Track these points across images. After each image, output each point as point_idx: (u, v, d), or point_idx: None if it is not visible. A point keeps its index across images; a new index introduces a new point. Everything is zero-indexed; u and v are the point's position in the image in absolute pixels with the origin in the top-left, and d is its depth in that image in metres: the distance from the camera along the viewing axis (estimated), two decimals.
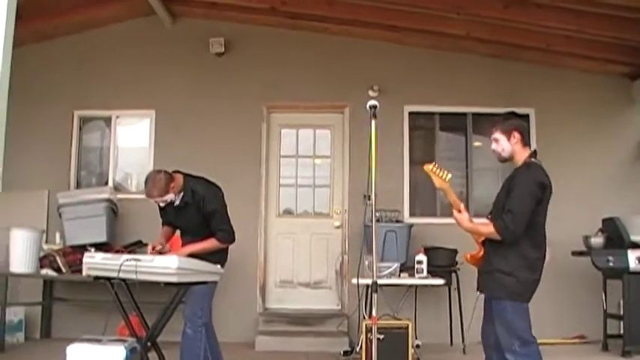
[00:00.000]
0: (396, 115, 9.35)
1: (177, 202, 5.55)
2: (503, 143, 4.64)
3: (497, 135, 4.67)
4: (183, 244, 5.73)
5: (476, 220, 4.70)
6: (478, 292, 4.73)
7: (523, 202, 4.37)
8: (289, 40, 9.54)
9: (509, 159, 4.66)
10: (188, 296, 5.31)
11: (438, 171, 4.65)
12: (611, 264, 7.89)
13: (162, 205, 5.59)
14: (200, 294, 5.40)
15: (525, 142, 4.66)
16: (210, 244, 5.53)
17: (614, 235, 8.14)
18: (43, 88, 9.41)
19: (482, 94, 9.42)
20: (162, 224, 5.92)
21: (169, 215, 5.75)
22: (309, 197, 9.67)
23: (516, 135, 4.61)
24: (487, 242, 4.59)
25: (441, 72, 9.51)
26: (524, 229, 4.36)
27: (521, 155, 4.61)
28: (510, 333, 4.38)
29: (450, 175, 4.65)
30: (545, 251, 4.56)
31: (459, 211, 4.63)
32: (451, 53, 9.52)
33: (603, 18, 8.05)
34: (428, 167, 4.71)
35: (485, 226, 4.51)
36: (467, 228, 4.62)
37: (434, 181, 4.68)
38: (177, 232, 6.01)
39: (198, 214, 5.53)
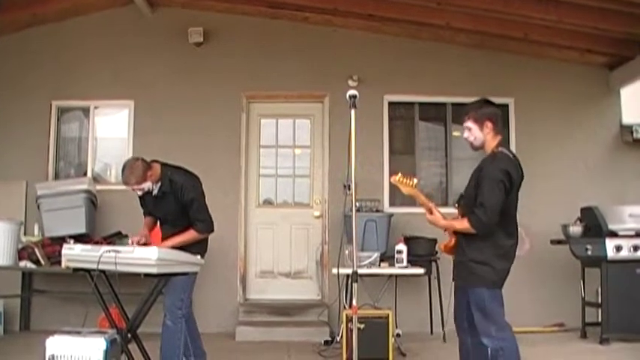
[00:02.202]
0: (375, 104, 9.36)
1: (155, 192, 5.57)
2: (476, 132, 4.65)
3: (470, 124, 4.67)
4: (163, 235, 5.74)
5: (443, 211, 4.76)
6: (453, 282, 4.78)
7: (493, 193, 4.39)
8: (269, 29, 9.51)
9: (481, 148, 4.68)
10: (168, 287, 5.30)
11: (404, 180, 4.70)
12: (589, 252, 7.96)
13: (139, 193, 5.60)
14: (180, 285, 5.40)
15: (497, 131, 4.67)
16: (190, 235, 5.53)
17: (593, 224, 8.21)
18: (21, 79, 9.32)
19: (461, 84, 9.43)
20: (144, 214, 5.95)
21: (149, 205, 5.78)
22: (289, 187, 9.66)
23: (489, 124, 4.62)
24: (460, 234, 4.62)
25: (420, 62, 9.52)
26: (498, 219, 4.41)
27: (491, 144, 4.64)
28: (487, 319, 4.45)
29: (415, 180, 4.72)
30: (518, 238, 4.62)
31: (431, 213, 4.70)
32: (431, 43, 9.54)
33: (582, 8, 8.11)
34: (394, 179, 4.75)
35: (460, 222, 4.55)
36: (443, 226, 4.68)
37: (402, 190, 4.73)
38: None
39: (176, 203, 5.55)
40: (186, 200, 5.53)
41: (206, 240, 5.74)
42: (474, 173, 4.65)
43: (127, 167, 5.47)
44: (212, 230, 5.68)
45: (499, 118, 4.74)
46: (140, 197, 5.77)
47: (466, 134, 4.70)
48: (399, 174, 4.72)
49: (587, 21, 8.36)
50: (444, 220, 4.65)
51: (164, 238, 5.66)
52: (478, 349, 4.52)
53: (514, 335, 4.50)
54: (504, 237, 4.52)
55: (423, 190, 4.76)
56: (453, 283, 4.82)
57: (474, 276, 4.49)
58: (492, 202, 4.37)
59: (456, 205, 4.77)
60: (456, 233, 4.67)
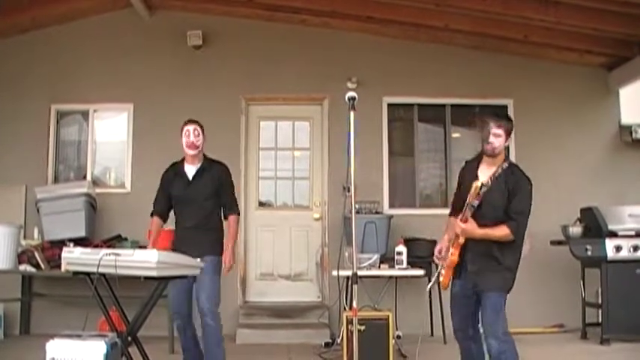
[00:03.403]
0: (374, 106, 9.36)
1: (193, 172, 5.81)
2: (502, 141, 4.76)
3: (501, 131, 4.75)
4: (189, 217, 5.80)
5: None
6: (455, 288, 4.84)
7: (529, 202, 4.67)
8: (267, 32, 9.51)
9: (496, 156, 4.78)
10: (201, 290, 5.58)
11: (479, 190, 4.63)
12: (589, 253, 7.97)
13: (197, 142, 5.84)
14: (213, 285, 5.65)
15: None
16: (235, 227, 5.97)
17: (592, 225, 8.22)
18: (20, 82, 9.31)
19: (460, 86, 9.46)
20: (154, 213, 5.98)
21: (177, 187, 5.84)
22: (289, 189, 9.66)
23: (509, 138, 4.82)
24: (491, 244, 4.67)
25: (419, 63, 9.53)
26: None
27: (502, 154, 4.81)
28: (499, 321, 4.61)
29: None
30: None
31: (466, 221, 4.67)
32: (430, 45, 9.54)
33: (582, 9, 8.12)
34: (478, 184, 4.65)
35: (499, 231, 4.60)
36: (479, 235, 4.66)
37: (472, 195, 4.62)
38: (165, 226, 6.02)
39: (212, 184, 5.80)
40: (225, 181, 5.89)
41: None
42: (497, 182, 4.70)
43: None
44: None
45: None
46: (163, 184, 5.94)
47: (493, 139, 4.75)
48: (482, 181, 4.69)
49: (586, 22, 8.38)
50: (481, 230, 4.64)
51: (191, 220, 5.76)
52: (482, 353, 4.63)
53: (514, 341, 4.66)
54: (522, 245, 4.76)
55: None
56: (455, 292, 4.88)
57: (501, 282, 4.67)
58: (528, 210, 4.66)
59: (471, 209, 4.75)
60: (465, 244, 4.74)
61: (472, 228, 4.64)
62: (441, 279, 4.97)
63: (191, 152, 5.82)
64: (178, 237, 5.87)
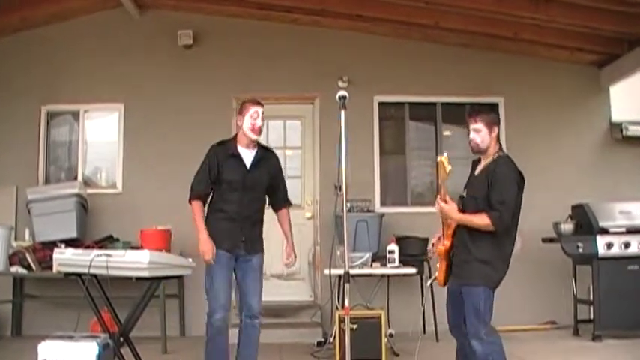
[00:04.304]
0: (366, 105, 9.36)
1: (252, 159, 5.36)
2: (484, 135, 4.67)
3: (480, 126, 4.68)
4: (230, 210, 5.28)
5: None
6: (449, 284, 4.81)
7: (511, 192, 4.49)
8: (258, 31, 9.49)
9: (484, 151, 4.71)
10: (252, 290, 5.40)
11: (447, 163, 4.50)
12: (580, 250, 7.99)
13: (258, 122, 5.33)
14: (261, 286, 5.52)
15: (498, 138, 4.77)
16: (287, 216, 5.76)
17: (584, 222, 8.25)
18: (10, 83, 9.28)
19: (451, 84, 9.47)
20: (195, 196, 5.29)
21: (234, 171, 5.28)
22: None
23: (496, 129, 4.71)
24: (465, 232, 4.60)
25: (410, 62, 9.55)
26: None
27: (493, 149, 4.71)
28: (479, 319, 4.49)
29: (450, 168, 4.52)
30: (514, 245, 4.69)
31: (445, 202, 4.62)
32: (420, 43, 9.56)
33: (572, 7, 8.16)
34: (442, 158, 4.53)
35: (479, 218, 4.49)
36: (457, 219, 4.61)
37: (440, 172, 4.55)
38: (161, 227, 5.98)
39: (268, 173, 5.43)
40: (280, 170, 5.61)
41: None
42: (481, 174, 4.68)
43: None
44: None
45: None
46: (212, 163, 5.31)
47: (473, 135, 4.70)
48: (445, 154, 4.59)
49: (577, 20, 8.41)
50: (460, 214, 4.59)
51: (243, 210, 5.28)
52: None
53: (501, 339, 4.57)
54: (508, 240, 4.61)
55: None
56: (449, 287, 4.86)
57: (477, 275, 4.52)
58: (511, 201, 4.46)
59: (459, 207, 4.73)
60: (454, 234, 4.69)
61: (450, 209, 4.58)
62: (437, 274, 4.94)
63: (254, 137, 5.34)
64: (222, 228, 5.25)
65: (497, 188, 4.47)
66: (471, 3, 8.25)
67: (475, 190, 4.66)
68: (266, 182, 5.37)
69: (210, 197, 5.37)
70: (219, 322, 5.17)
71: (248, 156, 5.34)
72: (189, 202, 5.26)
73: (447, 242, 4.74)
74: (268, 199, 5.59)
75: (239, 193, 5.24)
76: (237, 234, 5.24)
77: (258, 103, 5.37)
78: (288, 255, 5.59)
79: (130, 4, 8.94)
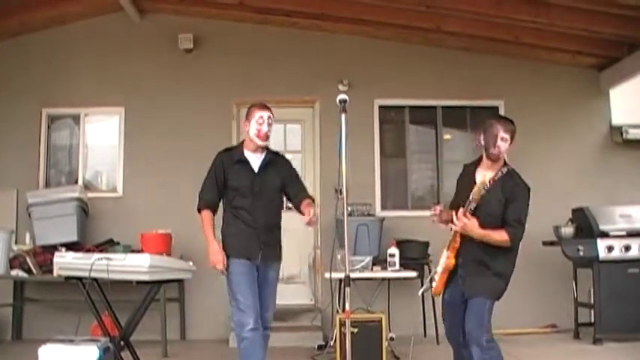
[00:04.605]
0: (366, 108, 9.36)
1: (259, 163, 5.16)
2: (507, 145, 4.73)
3: (508, 136, 4.74)
4: (259, 214, 5.07)
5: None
6: (447, 295, 4.83)
7: (526, 210, 4.61)
8: (258, 35, 9.50)
9: (498, 159, 4.73)
10: (268, 302, 5.16)
11: (482, 188, 4.50)
12: (581, 253, 8.00)
13: (265, 129, 5.15)
14: (275, 297, 5.32)
15: None
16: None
17: (584, 225, 8.24)
18: (11, 87, 9.28)
19: (451, 87, 9.48)
20: (203, 205, 5.14)
21: (241, 176, 5.10)
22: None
23: (512, 143, 4.77)
24: (478, 247, 4.59)
25: (410, 65, 9.55)
26: None
27: (502, 159, 4.76)
28: (482, 328, 4.52)
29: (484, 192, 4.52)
30: None
31: (467, 217, 4.55)
32: (421, 46, 9.56)
33: (573, 11, 8.15)
34: (487, 179, 4.57)
35: (499, 234, 4.52)
36: (479, 235, 4.55)
37: (475, 192, 4.49)
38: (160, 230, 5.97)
39: (279, 177, 5.21)
40: (293, 171, 5.40)
41: None
42: (496, 189, 4.61)
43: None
44: None
45: None
46: (218, 171, 5.13)
47: (500, 143, 4.71)
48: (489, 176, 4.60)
49: (577, 23, 8.41)
50: (481, 230, 4.54)
51: (257, 217, 5.04)
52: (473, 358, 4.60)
53: (498, 345, 4.61)
54: (516, 254, 4.72)
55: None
56: (446, 298, 4.87)
57: (491, 289, 4.60)
58: (525, 219, 4.58)
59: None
60: (459, 248, 4.70)
61: (473, 225, 4.51)
62: (433, 284, 4.91)
63: (260, 143, 5.15)
64: (237, 236, 5.06)
65: (514, 206, 4.55)
66: (471, 7, 8.25)
67: (492, 206, 4.59)
68: (277, 185, 5.18)
69: (223, 206, 5.21)
70: (251, 333, 4.86)
71: (255, 160, 5.17)
72: (198, 211, 5.13)
73: (452, 255, 4.74)
74: (290, 202, 5.40)
75: (250, 199, 5.05)
76: (254, 241, 5.02)
77: (265, 108, 5.23)
78: (309, 213, 4.96)
79: (131, 8, 8.95)
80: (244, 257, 4.99)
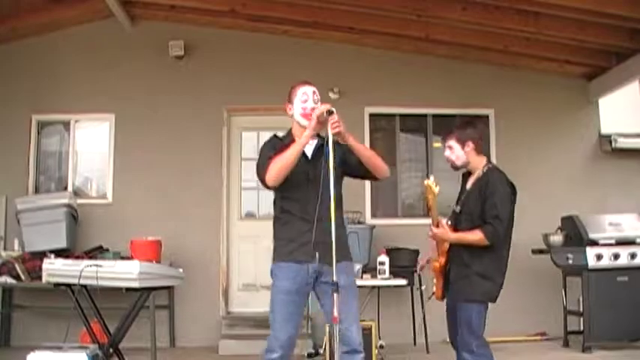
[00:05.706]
0: (356, 116, 9.37)
1: (314, 145, 4.43)
2: (457, 151, 4.72)
3: (452, 142, 4.74)
4: (298, 211, 4.37)
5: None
6: (447, 299, 4.81)
7: (505, 206, 4.50)
8: (249, 42, 9.51)
9: (463, 166, 4.75)
10: (347, 315, 4.12)
11: (434, 186, 4.53)
12: (570, 261, 8.02)
13: (311, 104, 4.54)
14: (357, 307, 4.44)
15: (479, 150, 4.76)
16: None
17: (573, 233, 8.27)
18: (0, 92, 9.26)
19: (442, 96, 9.51)
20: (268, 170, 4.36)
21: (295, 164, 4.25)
22: (271, 200, 9.61)
23: (470, 144, 4.70)
24: (461, 248, 4.61)
25: (401, 74, 9.57)
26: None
27: (478, 162, 4.72)
28: (471, 332, 4.50)
29: (438, 189, 4.55)
30: None
31: (437, 226, 4.65)
32: (411, 55, 9.59)
33: (561, 20, 8.18)
34: (428, 182, 4.56)
35: (472, 234, 4.51)
36: (453, 240, 4.63)
37: (428, 195, 4.57)
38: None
39: (336, 159, 4.12)
40: (348, 150, 4.36)
41: None
42: (473, 188, 4.67)
43: None
44: None
45: (481, 140, 4.86)
46: (271, 157, 4.33)
47: (447, 152, 4.77)
48: (432, 177, 4.64)
49: (566, 32, 8.45)
50: (454, 234, 4.60)
51: (315, 208, 4.13)
52: None
53: (491, 352, 4.57)
54: (506, 252, 4.64)
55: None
56: (447, 303, 4.86)
57: (477, 291, 4.53)
58: (505, 214, 4.48)
59: (448, 222, 4.74)
60: (449, 251, 4.71)
61: (443, 232, 4.61)
62: (434, 289, 4.94)
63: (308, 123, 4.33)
64: (288, 233, 4.42)
65: (491, 202, 4.48)
66: (461, 16, 8.26)
67: (470, 206, 4.65)
68: (337, 173, 4.16)
69: (273, 201, 4.66)
70: None
71: (308, 146, 4.37)
72: (264, 178, 4.42)
73: (442, 259, 4.76)
74: (357, 173, 4.49)
75: (304, 189, 4.32)
76: (308, 238, 4.17)
77: (307, 83, 4.65)
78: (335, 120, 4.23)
79: (122, 15, 8.95)
80: (293, 260, 4.34)
